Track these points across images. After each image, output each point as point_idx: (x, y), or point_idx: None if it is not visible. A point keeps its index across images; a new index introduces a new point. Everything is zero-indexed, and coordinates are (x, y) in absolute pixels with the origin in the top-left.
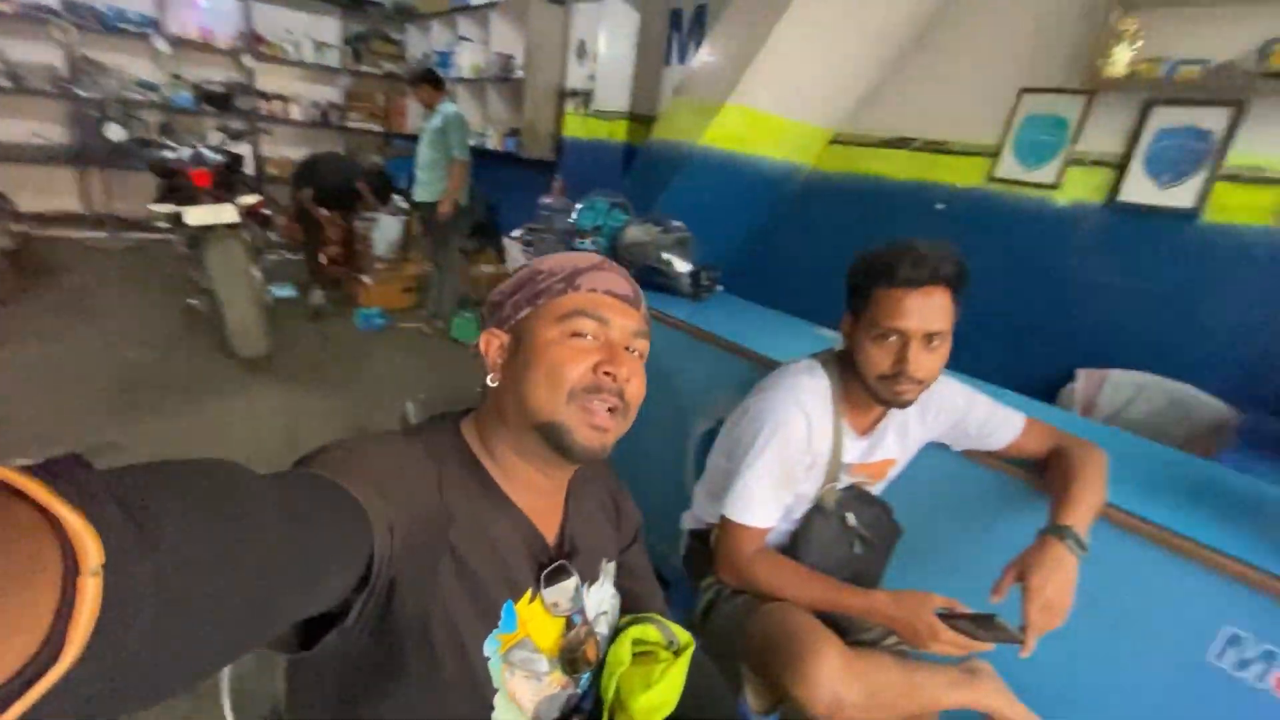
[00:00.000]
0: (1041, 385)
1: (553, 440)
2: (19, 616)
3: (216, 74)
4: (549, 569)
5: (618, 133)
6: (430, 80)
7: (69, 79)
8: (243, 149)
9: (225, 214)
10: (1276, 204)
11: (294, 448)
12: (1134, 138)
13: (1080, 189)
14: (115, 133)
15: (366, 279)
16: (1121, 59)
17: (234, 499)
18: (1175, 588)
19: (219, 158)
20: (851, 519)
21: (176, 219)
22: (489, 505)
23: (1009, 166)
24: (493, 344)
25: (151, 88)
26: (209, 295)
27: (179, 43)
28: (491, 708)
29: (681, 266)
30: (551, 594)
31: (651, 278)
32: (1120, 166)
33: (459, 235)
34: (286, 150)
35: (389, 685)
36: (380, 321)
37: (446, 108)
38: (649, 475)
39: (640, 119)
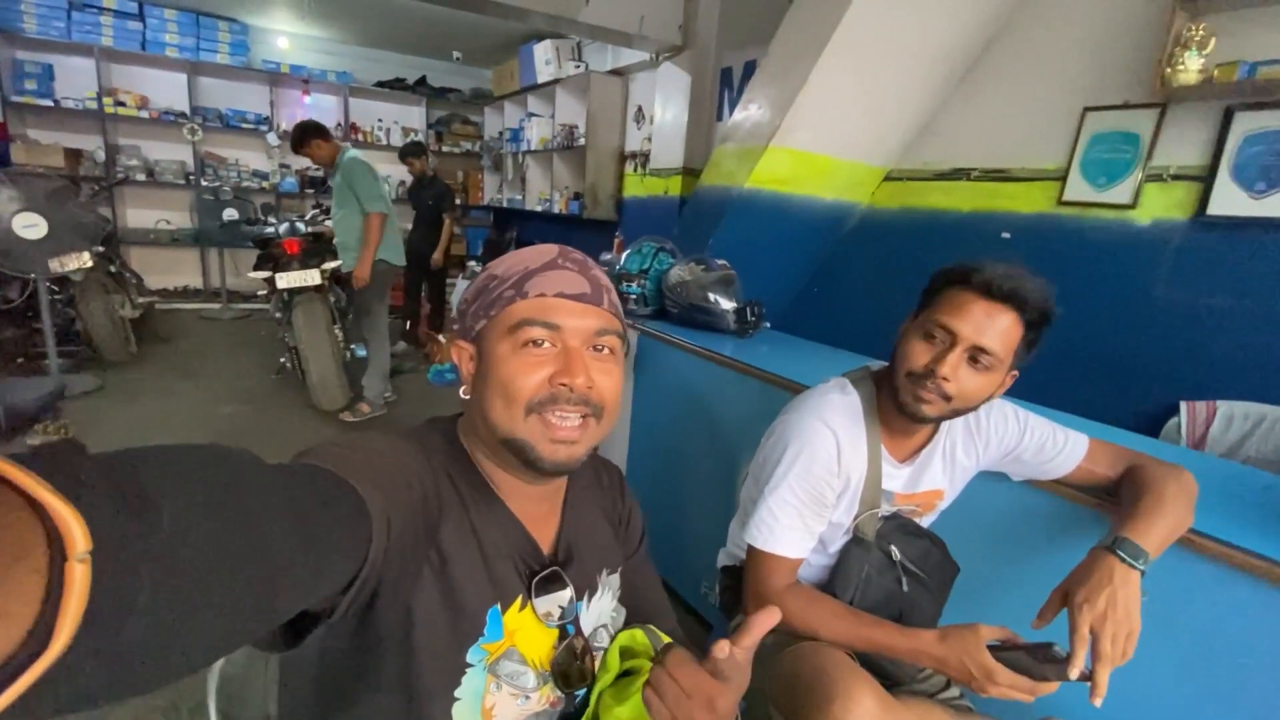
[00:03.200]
0: (1141, 421)
1: (519, 455)
2: (2, 605)
3: None
4: (540, 576)
5: (673, 188)
6: (317, 134)
7: (194, 171)
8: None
9: (310, 278)
10: None
11: None
12: (1218, 147)
13: (1161, 206)
14: (229, 214)
15: (442, 337)
16: (1193, 66)
17: (237, 485)
18: None
19: (308, 230)
20: (896, 552)
21: (271, 283)
22: (481, 509)
23: (1078, 188)
24: (462, 356)
25: (264, 176)
26: (295, 353)
27: (287, 136)
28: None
29: (726, 304)
30: (544, 603)
31: (696, 316)
32: (1205, 179)
33: (383, 302)
34: None
35: (363, 691)
36: (451, 376)
37: (343, 157)
38: (695, 517)
39: (694, 173)
